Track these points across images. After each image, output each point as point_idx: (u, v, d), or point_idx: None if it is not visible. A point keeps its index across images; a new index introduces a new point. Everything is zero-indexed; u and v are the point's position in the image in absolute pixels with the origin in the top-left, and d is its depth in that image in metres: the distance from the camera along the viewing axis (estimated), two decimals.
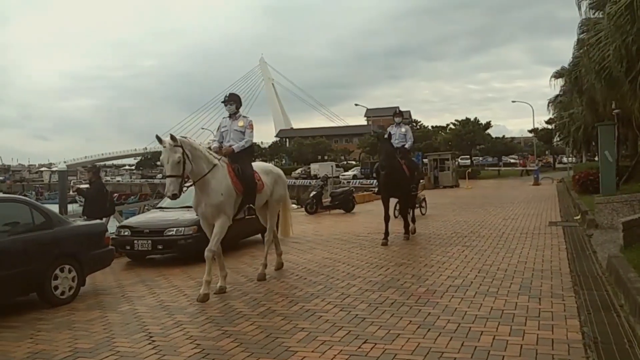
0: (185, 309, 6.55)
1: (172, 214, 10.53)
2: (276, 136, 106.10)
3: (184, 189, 7.14)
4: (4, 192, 59.93)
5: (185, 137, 7.09)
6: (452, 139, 58.00)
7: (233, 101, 8.08)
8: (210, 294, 6.99)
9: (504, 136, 69.47)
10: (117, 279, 8.67)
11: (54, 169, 77.24)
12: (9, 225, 6.79)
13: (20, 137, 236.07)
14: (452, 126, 62.22)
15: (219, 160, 7.39)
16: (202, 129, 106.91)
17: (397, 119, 12.20)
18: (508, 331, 5.11)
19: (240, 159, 7.73)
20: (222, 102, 8.15)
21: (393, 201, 12.25)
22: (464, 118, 60.60)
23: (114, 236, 9.74)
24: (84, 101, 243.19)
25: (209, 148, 7.83)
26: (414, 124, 74.07)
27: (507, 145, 63.62)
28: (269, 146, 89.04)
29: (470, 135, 57.26)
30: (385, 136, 11.51)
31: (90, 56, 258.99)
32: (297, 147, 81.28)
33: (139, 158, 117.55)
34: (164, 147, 6.75)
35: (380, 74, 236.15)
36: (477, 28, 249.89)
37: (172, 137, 6.76)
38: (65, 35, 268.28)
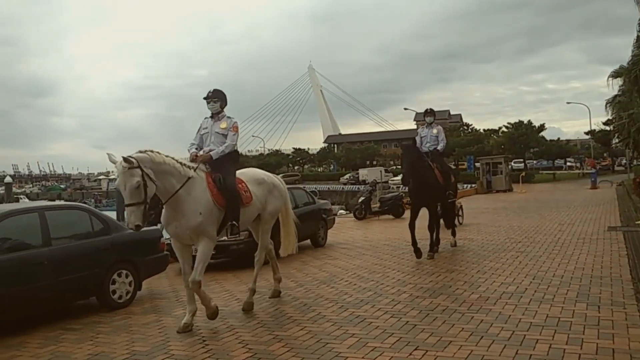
0: (237, 313, 6.66)
1: None
2: (324, 142, 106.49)
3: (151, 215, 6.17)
4: (65, 200, 62.61)
5: (145, 151, 5.80)
6: (505, 142, 56.68)
7: (218, 98, 6.84)
8: (192, 325, 6.09)
9: (559, 139, 67.41)
10: (171, 284, 8.89)
11: (112, 177, 79.94)
12: (70, 231, 7.10)
13: (80, 146, 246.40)
14: (504, 129, 60.83)
15: (194, 170, 6.23)
16: (253, 136, 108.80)
17: (428, 119, 11.06)
18: (565, 339, 4.95)
19: (222, 167, 6.54)
20: (204, 98, 6.90)
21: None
22: (516, 120, 59.23)
23: (168, 242, 9.99)
24: (140, 111, 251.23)
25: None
26: (465, 127, 72.73)
27: (562, 148, 61.62)
28: (317, 152, 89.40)
29: (523, 138, 55.79)
30: (416, 141, 10.35)
31: (145, 67, 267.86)
32: (345, 153, 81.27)
33: None
34: (118, 171, 5.59)
35: (429, 78, 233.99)
36: (529, 29, 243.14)
37: (125, 160, 5.49)
38: (122, 47, 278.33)
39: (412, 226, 9.94)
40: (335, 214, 18.66)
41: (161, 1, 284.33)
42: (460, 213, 15.04)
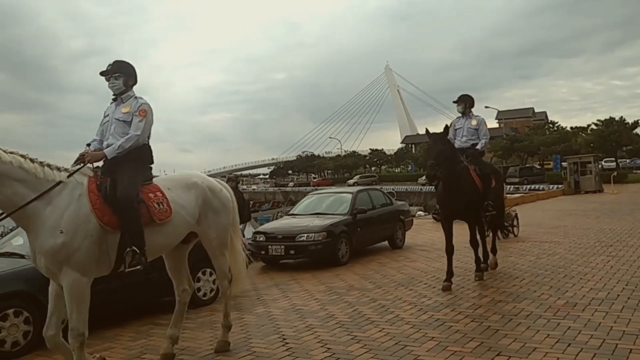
0: (316, 312, 6.75)
1: (304, 220, 10.91)
2: (402, 142, 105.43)
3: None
4: None
5: None
6: (594, 140, 53.79)
7: (120, 73, 4.98)
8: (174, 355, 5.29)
9: None
10: (252, 282, 9.13)
11: None
12: None
13: (167, 150, 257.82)
14: (593, 127, 57.75)
15: (71, 173, 4.49)
16: (330, 137, 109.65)
17: (459, 107, 8.68)
18: None
19: (119, 168, 4.73)
20: (100, 73, 5.03)
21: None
22: (607, 117, 56.03)
23: (250, 242, 10.29)
24: (221, 115, 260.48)
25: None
26: (551, 125, 69.48)
27: None
28: (395, 153, 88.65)
29: (615, 136, 52.69)
30: (448, 131, 7.82)
31: (226, 72, 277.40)
32: (423, 153, 80.00)
33: (272, 167, 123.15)
34: None
35: (511, 74, 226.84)
36: (620, 19, 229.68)
37: None
38: (204, 53, 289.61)
39: (449, 250, 7.85)
40: (414, 216, 18.46)
41: (239, 7, 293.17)
42: (515, 223, 13.26)
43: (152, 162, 5.18)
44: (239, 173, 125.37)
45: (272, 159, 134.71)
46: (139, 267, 4.62)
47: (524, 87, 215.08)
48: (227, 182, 6.21)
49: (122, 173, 4.69)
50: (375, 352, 5.08)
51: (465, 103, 8.66)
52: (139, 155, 4.93)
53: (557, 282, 7.69)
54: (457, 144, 8.41)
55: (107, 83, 5.00)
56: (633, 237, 11.85)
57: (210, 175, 6.33)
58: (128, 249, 4.51)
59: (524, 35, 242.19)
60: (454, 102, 8.75)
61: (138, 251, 4.52)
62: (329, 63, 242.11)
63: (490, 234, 9.47)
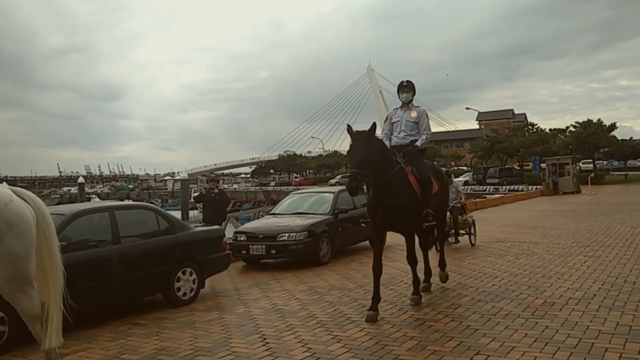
0: (297, 312, 6.74)
1: (285, 220, 10.89)
2: None
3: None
4: (133, 200, 65.14)
5: None
6: (572, 142, 54.55)
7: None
8: None
9: (631, 138, 64.27)
10: (233, 282, 9.09)
11: (177, 177, 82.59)
12: (138, 230, 7.39)
13: (147, 148, 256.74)
14: (572, 129, 58.57)
15: None
16: (312, 137, 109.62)
17: (402, 96, 7.24)
18: (637, 349, 4.73)
19: None
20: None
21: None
22: (585, 119, 56.89)
23: (230, 241, 10.25)
24: (204, 113, 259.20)
25: None
26: (530, 127, 70.23)
27: (635, 148, 58.68)
28: None
29: (592, 138, 53.50)
30: (375, 127, 6.28)
31: (209, 70, 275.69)
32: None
33: (253, 167, 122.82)
34: None
35: (493, 76, 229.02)
36: (601, 22, 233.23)
37: None
38: (188, 51, 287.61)
39: (377, 269, 6.49)
40: None
41: (224, 6, 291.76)
42: (472, 231, 12.09)
43: None
44: (220, 172, 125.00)
45: (253, 158, 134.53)
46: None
47: (505, 89, 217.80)
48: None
49: None
50: (356, 352, 5.08)
51: (412, 93, 7.26)
52: None
53: (535, 281, 7.78)
54: (395, 140, 7.14)
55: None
56: (609, 238, 12.04)
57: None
58: None
59: (506, 36, 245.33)
60: (399, 89, 7.29)
61: None
62: (313, 62, 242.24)
63: (437, 247, 8.44)
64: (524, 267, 8.94)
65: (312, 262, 10.12)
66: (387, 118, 7.47)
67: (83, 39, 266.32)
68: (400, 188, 6.39)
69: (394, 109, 7.47)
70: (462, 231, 11.94)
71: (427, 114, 7.22)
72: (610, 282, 7.45)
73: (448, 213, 10.86)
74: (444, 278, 7.89)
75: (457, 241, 11.86)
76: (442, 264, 7.93)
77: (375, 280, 6.46)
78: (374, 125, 6.23)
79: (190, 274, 7.64)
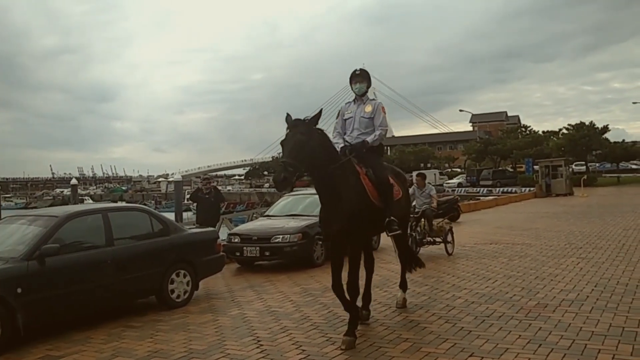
0: (291, 314, 6.73)
1: (279, 221, 10.88)
2: None
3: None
4: (127, 201, 64.93)
5: None
6: (565, 144, 54.88)
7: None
8: None
9: (623, 140, 64.70)
10: (227, 284, 9.07)
11: (170, 179, 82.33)
12: (131, 232, 7.36)
13: (141, 149, 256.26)
14: (564, 131, 58.90)
15: None
16: None
17: (355, 87, 6.17)
18: (630, 350, 4.76)
19: None
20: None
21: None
22: (578, 122, 57.25)
23: (224, 243, 10.23)
24: (199, 114, 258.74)
25: None
26: (523, 129, 70.42)
27: (627, 150, 59.09)
28: None
29: (585, 140, 53.85)
30: (317, 118, 5.39)
31: (204, 72, 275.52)
32: (398, 155, 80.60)
33: (247, 168, 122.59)
34: None
35: (486, 78, 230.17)
36: (594, 25, 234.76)
37: None
38: (182, 52, 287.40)
39: (335, 287, 5.60)
40: None
41: (219, 7, 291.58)
42: (449, 239, 11.05)
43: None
44: (213, 174, 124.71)
45: (244, 160, 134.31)
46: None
47: (499, 91, 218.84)
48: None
49: None
50: (350, 354, 5.08)
51: (367, 82, 6.19)
52: None
53: (528, 283, 7.81)
54: (348, 140, 6.05)
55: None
56: (602, 239, 12.11)
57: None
58: None
59: (500, 38, 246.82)
60: (352, 78, 6.17)
61: None
62: (307, 63, 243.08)
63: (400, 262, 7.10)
64: (517, 269, 8.98)
65: (306, 264, 10.12)
66: (338, 113, 6.35)
67: (76, 40, 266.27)
68: (347, 188, 5.36)
69: (346, 103, 6.43)
70: (437, 239, 10.91)
71: (383, 108, 6.13)
72: (603, 284, 7.49)
73: (422, 219, 10.87)
74: (402, 302, 6.82)
75: (429, 244, 10.89)
76: (403, 285, 6.92)
77: (342, 301, 5.54)
78: (319, 113, 5.40)
79: (184, 276, 7.61)
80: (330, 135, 5.87)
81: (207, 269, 8.19)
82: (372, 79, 6.31)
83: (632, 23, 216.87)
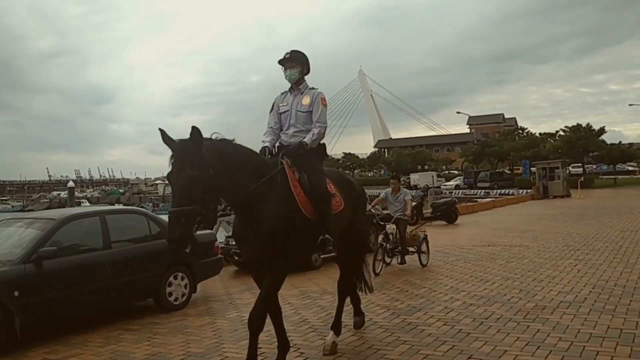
0: (289, 317, 6.71)
1: None
2: (375, 147, 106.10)
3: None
4: (124, 204, 64.80)
5: None
6: (562, 146, 54.99)
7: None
8: None
9: (620, 142, 64.95)
10: (225, 287, 9.06)
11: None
12: (129, 234, 7.34)
13: (138, 152, 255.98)
14: (561, 133, 59.03)
15: None
16: None
17: (286, 73, 5.05)
18: (628, 352, 4.76)
19: None
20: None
21: None
22: (574, 124, 57.40)
23: (222, 245, 10.20)
24: (195, 117, 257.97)
25: None
26: (520, 131, 70.47)
27: (624, 152, 59.23)
28: (368, 157, 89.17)
29: (582, 142, 53.96)
30: (200, 136, 3.98)
31: (200, 74, 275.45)
32: (396, 157, 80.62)
33: None
34: None
35: (484, 80, 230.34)
36: (591, 26, 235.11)
37: None
38: (179, 54, 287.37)
39: (254, 319, 4.52)
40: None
41: (216, 9, 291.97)
42: (424, 248, 10.16)
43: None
44: None
45: None
46: None
47: (496, 93, 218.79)
48: None
49: None
50: (349, 356, 5.08)
51: (302, 66, 5.07)
52: None
53: (526, 285, 7.81)
54: (283, 139, 5.07)
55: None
56: (599, 241, 12.13)
57: None
58: None
59: (497, 40, 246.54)
60: (280, 62, 5.06)
61: None
62: None
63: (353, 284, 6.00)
64: (515, 271, 8.98)
65: (304, 266, 10.10)
66: (272, 106, 5.23)
67: (73, 42, 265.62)
68: (271, 204, 4.32)
69: (281, 94, 5.24)
70: (411, 249, 10.00)
71: (323, 100, 5.07)
72: (601, 286, 7.50)
73: (394, 226, 9.81)
74: (359, 324, 6.03)
75: (403, 261, 9.85)
76: (358, 312, 6.05)
77: (251, 336, 4.47)
78: (196, 132, 3.91)
79: (182, 279, 7.61)
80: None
81: (204, 271, 8.18)
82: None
83: (628, 25, 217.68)
